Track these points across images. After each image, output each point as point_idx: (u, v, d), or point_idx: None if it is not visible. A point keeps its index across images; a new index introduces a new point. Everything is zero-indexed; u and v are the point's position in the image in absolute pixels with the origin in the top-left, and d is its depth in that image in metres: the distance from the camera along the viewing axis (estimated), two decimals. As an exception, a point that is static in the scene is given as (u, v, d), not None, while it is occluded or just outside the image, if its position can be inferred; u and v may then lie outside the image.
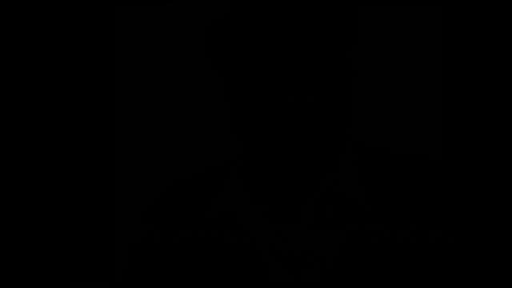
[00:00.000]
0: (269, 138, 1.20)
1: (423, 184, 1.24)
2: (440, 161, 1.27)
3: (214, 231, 1.27)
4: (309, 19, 1.18)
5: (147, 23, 1.99)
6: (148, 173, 1.99)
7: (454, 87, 1.85)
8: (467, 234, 1.23)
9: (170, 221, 1.32)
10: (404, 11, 1.89)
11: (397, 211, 1.22)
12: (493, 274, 1.23)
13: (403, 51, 1.89)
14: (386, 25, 1.90)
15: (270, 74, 1.18)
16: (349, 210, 1.23)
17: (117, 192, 1.99)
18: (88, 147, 1.97)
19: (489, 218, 1.25)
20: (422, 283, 1.21)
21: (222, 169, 1.34)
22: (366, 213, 1.22)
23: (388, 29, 1.90)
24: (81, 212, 1.97)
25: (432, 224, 1.21)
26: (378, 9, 1.89)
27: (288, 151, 1.21)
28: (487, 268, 1.23)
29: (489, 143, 1.83)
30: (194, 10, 1.96)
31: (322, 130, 1.21)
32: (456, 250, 1.22)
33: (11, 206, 1.95)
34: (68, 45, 1.96)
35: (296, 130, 1.19)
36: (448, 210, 1.23)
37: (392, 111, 1.90)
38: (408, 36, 1.89)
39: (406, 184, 1.24)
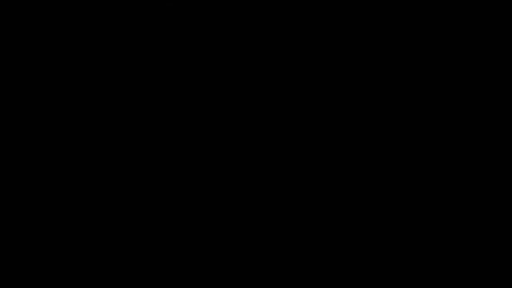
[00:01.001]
0: (269, 138, 1.20)
1: (423, 184, 1.24)
2: (440, 161, 1.27)
3: (214, 231, 1.27)
4: (309, 20, 1.18)
5: (147, 23, 1.99)
6: (148, 173, 1.99)
7: (454, 87, 1.85)
8: (467, 234, 1.23)
9: (170, 221, 1.32)
10: (404, 11, 1.89)
11: (397, 211, 1.22)
12: (493, 274, 1.23)
13: (403, 51, 1.89)
14: (386, 25, 1.90)
15: (270, 74, 1.18)
16: (349, 210, 1.23)
17: (117, 192, 1.99)
18: (88, 147, 1.97)
19: (489, 218, 1.25)
20: (422, 283, 1.21)
21: (222, 169, 1.34)
22: (366, 213, 1.22)
23: (388, 29, 1.90)
24: (81, 212, 1.97)
25: (432, 224, 1.21)
26: (378, 9, 1.89)
27: (288, 151, 1.21)
28: (487, 268, 1.23)
29: (489, 143, 1.83)
30: (194, 10, 1.96)
31: (322, 130, 1.21)
32: (456, 250, 1.22)
33: (11, 206, 1.95)
34: (68, 45, 1.96)
35: (296, 130, 1.19)
36: (448, 210, 1.23)
37: (392, 111, 1.90)
38: (408, 36, 1.89)
39: (406, 184, 1.24)
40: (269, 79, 1.18)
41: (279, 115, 1.19)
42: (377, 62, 1.90)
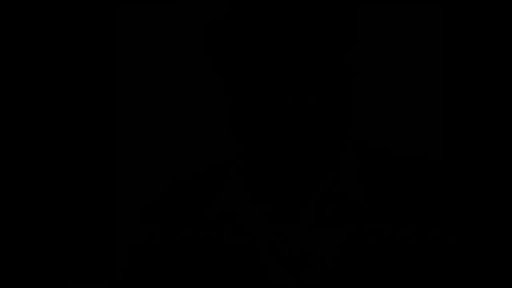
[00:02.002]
0: (269, 138, 1.20)
1: (423, 184, 1.24)
2: (440, 161, 1.27)
3: (214, 231, 1.27)
4: (309, 20, 1.18)
5: (147, 23, 1.99)
6: (148, 173, 1.99)
7: (454, 87, 1.85)
8: (467, 234, 1.23)
9: (170, 221, 1.32)
10: (404, 11, 1.89)
11: (397, 211, 1.22)
12: (493, 274, 1.23)
13: (403, 51, 1.89)
14: (386, 25, 1.90)
15: (270, 74, 1.18)
16: (349, 210, 1.23)
17: (117, 192, 1.99)
18: (88, 147, 1.97)
19: (489, 218, 1.25)
20: (422, 283, 1.21)
21: (222, 169, 1.34)
22: (366, 213, 1.22)
23: (388, 29, 1.90)
24: (81, 212, 1.97)
25: (432, 224, 1.21)
26: (378, 9, 1.89)
27: (288, 151, 1.21)
28: (487, 268, 1.23)
29: (489, 143, 1.83)
30: (194, 10, 1.96)
31: (322, 130, 1.21)
32: (456, 250, 1.22)
33: (11, 206, 1.95)
34: (68, 45, 1.96)
35: (296, 130, 1.19)
36: (448, 210, 1.23)
37: (392, 111, 1.90)
38: (408, 36, 1.89)
39: (406, 184, 1.24)
40: (269, 79, 1.18)
41: (279, 115, 1.19)
42: (377, 62, 1.90)
